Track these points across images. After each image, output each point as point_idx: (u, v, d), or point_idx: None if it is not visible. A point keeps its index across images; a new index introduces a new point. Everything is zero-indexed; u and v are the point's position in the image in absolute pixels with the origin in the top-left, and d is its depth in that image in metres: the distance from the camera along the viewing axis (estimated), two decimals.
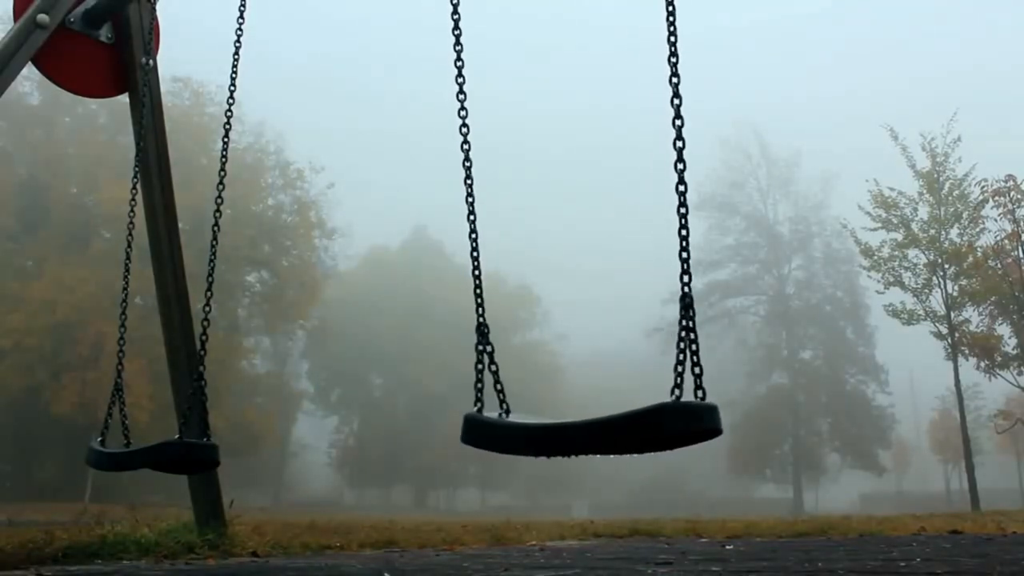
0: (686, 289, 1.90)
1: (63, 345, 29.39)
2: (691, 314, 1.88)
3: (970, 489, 21.15)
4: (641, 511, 25.99)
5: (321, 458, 57.92)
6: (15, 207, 31.03)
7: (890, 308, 22.74)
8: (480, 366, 2.23)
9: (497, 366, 2.25)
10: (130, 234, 4.00)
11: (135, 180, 4.10)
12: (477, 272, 2.42)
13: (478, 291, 2.38)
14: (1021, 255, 21.31)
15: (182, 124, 30.32)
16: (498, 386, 2.22)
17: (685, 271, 1.91)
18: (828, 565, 3.24)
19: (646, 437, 1.83)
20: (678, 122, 1.98)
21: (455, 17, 2.56)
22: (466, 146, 2.48)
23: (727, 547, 4.96)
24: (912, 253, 22.41)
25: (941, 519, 10.10)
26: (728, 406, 47.25)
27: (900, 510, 23.36)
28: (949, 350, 21.69)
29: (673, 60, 2.01)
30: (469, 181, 2.46)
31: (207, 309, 3.45)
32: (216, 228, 3.55)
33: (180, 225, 4.59)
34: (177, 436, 3.51)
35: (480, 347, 2.25)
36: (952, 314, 21.67)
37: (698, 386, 1.86)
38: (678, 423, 1.79)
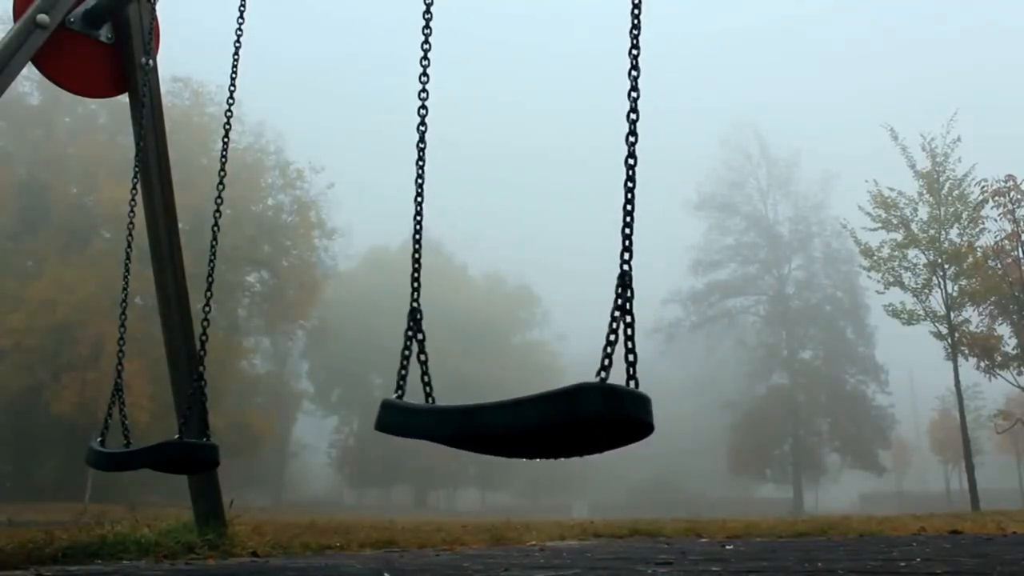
0: (625, 267, 1.79)
1: (63, 345, 29.38)
2: (628, 294, 1.76)
3: (970, 489, 21.14)
4: (641, 511, 25.98)
5: (321, 458, 57.96)
6: (15, 207, 31.02)
7: (890, 308, 22.75)
8: (407, 352, 2.16)
9: (427, 355, 2.19)
10: (130, 234, 4.00)
11: (135, 180, 4.10)
12: (417, 256, 2.35)
13: (416, 275, 2.32)
14: (1021, 255, 21.31)
15: (182, 124, 30.32)
16: (425, 377, 2.16)
17: (626, 247, 1.83)
18: (828, 565, 3.24)
19: (562, 421, 1.64)
20: (633, 94, 1.94)
21: (427, 16, 2.53)
22: (423, 128, 2.46)
23: (727, 547, 4.96)
24: (912, 253, 22.42)
25: (941, 519, 10.09)
26: (728, 406, 47.33)
27: (900, 510, 23.36)
28: (949, 350, 21.69)
29: (634, 53, 1.97)
30: (421, 163, 2.45)
31: (207, 309, 3.45)
32: (216, 228, 3.55)
33: (180, 225, 4.58)
34: (177, 436, 3.52)
35: (410, 333, 2.18)
36: (952, 314, 21.67)
37: (631, 375, 1.71)
38: (598, 407, 1.61)
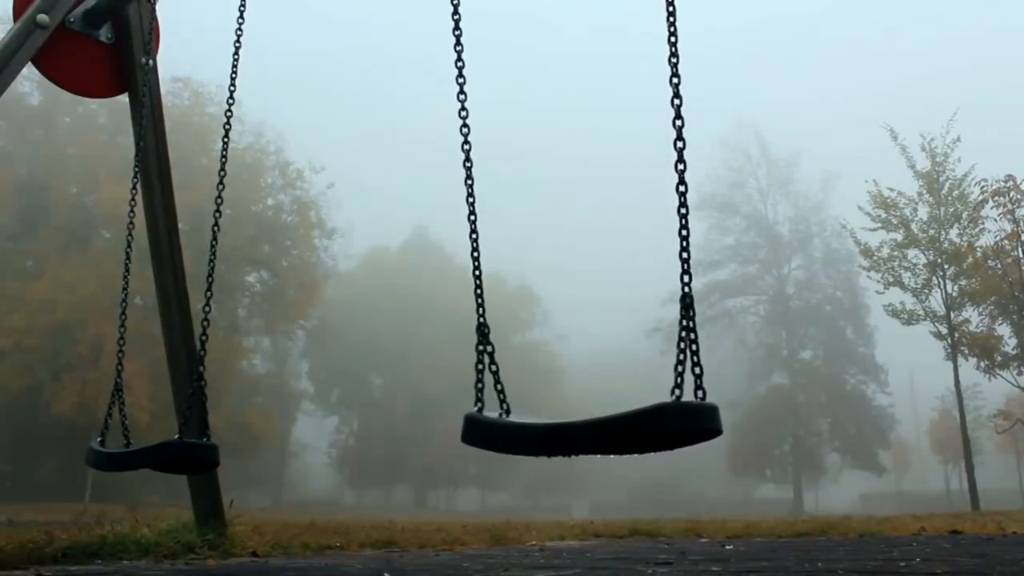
0: (686, 289, 1.90)
1: (63, 345, 29.38)
2: (691, 314, 1.89)
3: (970, 489, 21.14)
4: (641, 511, 25.98)
5: (321, 458, 57.94)
6: (15, 207, 31.02)
7: (890, 308, 22.74)
8: (480, 366, 2.24)
9: (497, 366, 2.26)
10: (130, 234, 3.99)
11: (135, 180, 4.10)
12: (478, 272, 2.42)
13: (479, 291, 2.38)
14: (1021, 255, 21.30)
15: (182, 124, 30.32)
16: (498, 386, 2.22)
17: (685, 271, 1.92)
18: (828, 565, 3.24)
19: (647, 437, 1.82)
20: (678, 122, 1.99)
21: (456, 17, 2.56)
22: (467, 146, 2.48)
23: (727, 547, 4.96)
24: (912, 253, 22.41)
25: (941, 519, 10.09)
26: (728, 406, 47.28)
27: (900, 510, 23.36)
28: (949, 350, 21.69)
29: (674, 60, 2.02)
30: (470, 181, 2.46)
31: (207, 309, 3.45)
32: (216, 228, 3.55)
33: (180, 225, 4.59)
34: (177, 436, 3.52)
35: (480, 347, 2.26)
36: (952, 314, 21.66)
37: (698, 386, 1.86)
38: (679, 423, 1.78)
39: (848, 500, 53.03)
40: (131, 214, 3.97)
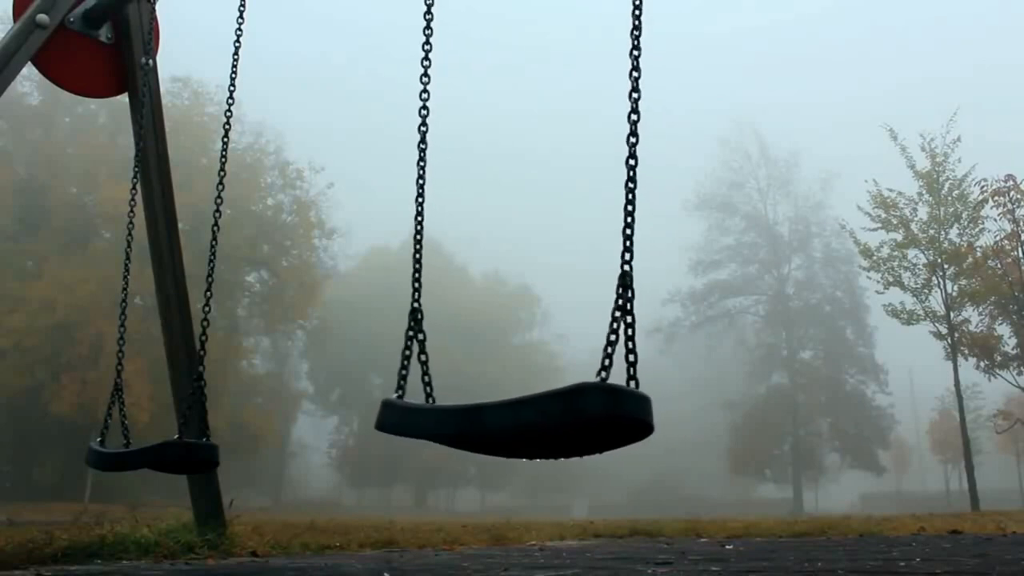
0: (626, 267, 1.80)
1: (63, 345, 29.36)
2: (629, 294, 1.77)
3: (970, 489, 21.13)
4: (641, 511, 25.99)
5: (321, 458, 57.96)
6: (15, 207, 31.01)
7: (890, 308, 22.73)
8: (408, 352, 2.16)
9: (427, 355, 2.19)
10: (130, 234, 4.00)
11: (135, 180, 4.10)
12: (418, 256, 2.35)
13: (417, 275, 2.32)
14: (1021, 255, 21.29)
15: (182, 124, 30.30)
16: (426, 377, 2.17)
17: (627, 248, 1.84)
18: (828, 565, 3.24)
19: (563, 420, 1.64)
20: (635, 95, 1.95)
21: (428, 17, 2.53)
22: (424, 128, 2.46)
23: (727, 547, 4.96)
24: (912, 253, 22.38)
25: (941, 519, 10.10)
26: (728, 406, 47.33)
27: (900, 510, 23.36)
28: (949, 350, 21.68)
29: (635, 54, 1.97)
30: (422, 163, 2.45)
31: (207, 309, 3.45)
32: (216, 228, 3.56)
33: (180, 225, 4.59)
34: (177, 436, 3.52)
35: (411, 333, 2.19)
36: (952, 314, 21.65)
37: (631, 375, 1.72)
38: (600, 406, 1.61)
39: (848, 500, 53.03)
40: (131, 214, 3.97)
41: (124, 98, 4.62)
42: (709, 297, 49.32)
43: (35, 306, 28.81)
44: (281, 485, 49.61)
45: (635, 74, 1.95)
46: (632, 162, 1.91)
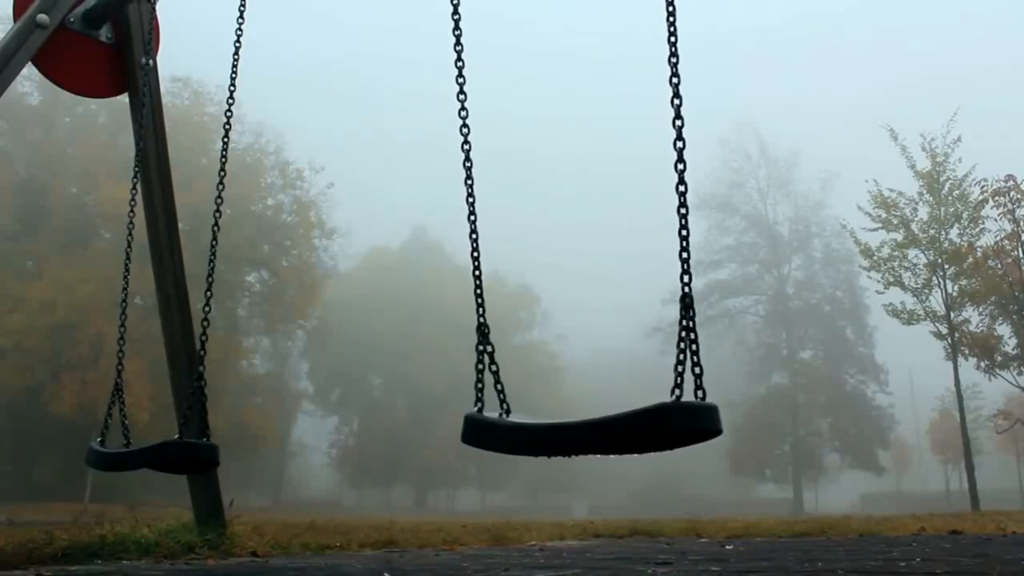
0: (686, 289, 1.91)
1: (63, 345, 29.37)
2: (691, 314, 1.89)
3: (970, 489, 21.13)
4: (641, 511, 26.00)
5: (321, 458, 57.94)
6: (15, 207, 31.02)
7: (890, 308, 22.72)
8: (480, 366, 2.24)
9: (497, 366, 2.25)
10: (130, 234, 3.99)
11: (135, 180, 4.10)
12: (478, 272, 2.42)
13: (478, 291, 2.37)
14: (1021, 255, 21.29)
15: (182, 124, 30.30)
16: (498, 386, 2.22)
17: (685, 271, 1.92)
18: (828, 565, 3.24)
19: (646, 437, 1.82)
20: (678, 122, 1.99)
21: (455, 17, 2.56)
22: (467, 146, 2.48)
23: (727, 547, 4.96)
24: (912, 253, 22.38)
25: (941, 519, 10.10)
26: (728, 406, 47.30)
27: (900, 510, 23.35)
28: (949, 350, 21.68)
29: (673, 60, 2.02)
30: (470, 181, 2.46)
31: (207, 309, 3.45)
32: (216, 228, 3.55)
33: (180, 225, 4.59)
34: (177, 436, 3.52)
35: (480, 347, 2.25)
36: (952, 314, 21.65)
37: (698, 386, 1.86)
38: (679, 423, 1.78)
39: (848, 500, 53.01)
40: (131, 214, 3.97)
41: (124, 98, 4.62)
42: (709, 297, 49.31)
43: (35, 306, 28.81)
44: (281, 485, 49.61)
45: (676, 101, 2.00)
46: (682, 188, 1.97)
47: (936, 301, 21.97)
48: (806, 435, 47.05)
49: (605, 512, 30.61)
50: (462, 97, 2.52)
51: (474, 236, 2.44)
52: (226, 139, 3.76)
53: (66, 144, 33.26)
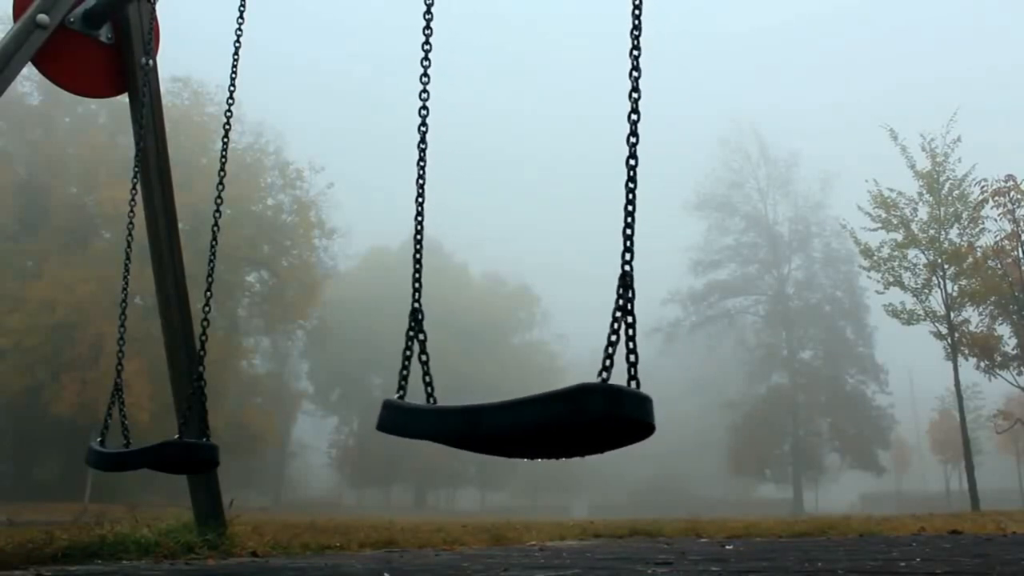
0: (626, 267, 1.79)
1: (63, 345, 29.36)
2: (630, 294, 1.76)
3: (970, 489, 21.13)
4: (641, 511, 25.99)
5: (321, 458, 57.94)
6: (15, 207, 31.01)
7: (890, 308, 22.73)
8: (408, 353, 2.16)
9: (428, 356, 2.19)
10: (130, 234, 3.99)
11: (135, 180, 4.10)
12: (418, 256, 2.35)
13: (417, 276, 2.31)
14: (1021, 255, 21.29)
15: (182, 124, 30.29)
16: (427, 377, 2.16)
17: (627, 248, 1.83)
18: (828, 565, 3.24)
19: (565, 420, 1.64)
20: (635, 95, 1.93)
21: (428, 17, 2.53)
22: (423, 128, 2.46)
23: (727, 547, 4.96)
24: (912, 253, 22.39)
25: (941, 519, 10.09)
26: (728, 406, 47.32)
27: (900, 510, 23.36)
28: (949, 350, 21.68)
29: (635, 54, 1.96)
30: (422, 163, 2.45)
31: (207, 309, 3.45)
32: (216, 228, 3.55)
33: (180, 225, 4.59)
34: (177, 436, 3.52)
35: (411, 333, 2.18)
36: (952, 314, 21.65)
37: (632, 375, 1.72)
38: (601, 406, 1.60)
39: (848, 500, 52.99)
40: (131, 214, 3.97)
41: (124, 98, 4.61)
42: (709, 297, 49.35)
43: (35, 306, 28.81)
44: (281, 485, 49.59)
45: (635, 74, 1.94)
46: (632, 162, 1.90)
47: (936, 301, 21.99)
48: (806, 435, 47.06)
49: (605, 512, 30.62)
50: (425, 80, 2.49)
51: (419, 219, 2.39)
52: (226, 139, 3.76)
53: (66, 144, 33.25)
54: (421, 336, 2.18)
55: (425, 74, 2.49)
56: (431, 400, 2.08)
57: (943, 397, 47.50)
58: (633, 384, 1.70)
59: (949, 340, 21.52)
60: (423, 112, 2.47)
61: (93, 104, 30.84)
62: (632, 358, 1.73)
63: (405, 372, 2.15)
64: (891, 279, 22.39)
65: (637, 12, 2.00)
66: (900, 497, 51.69)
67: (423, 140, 2.46)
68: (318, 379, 55.00)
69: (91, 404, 26.51)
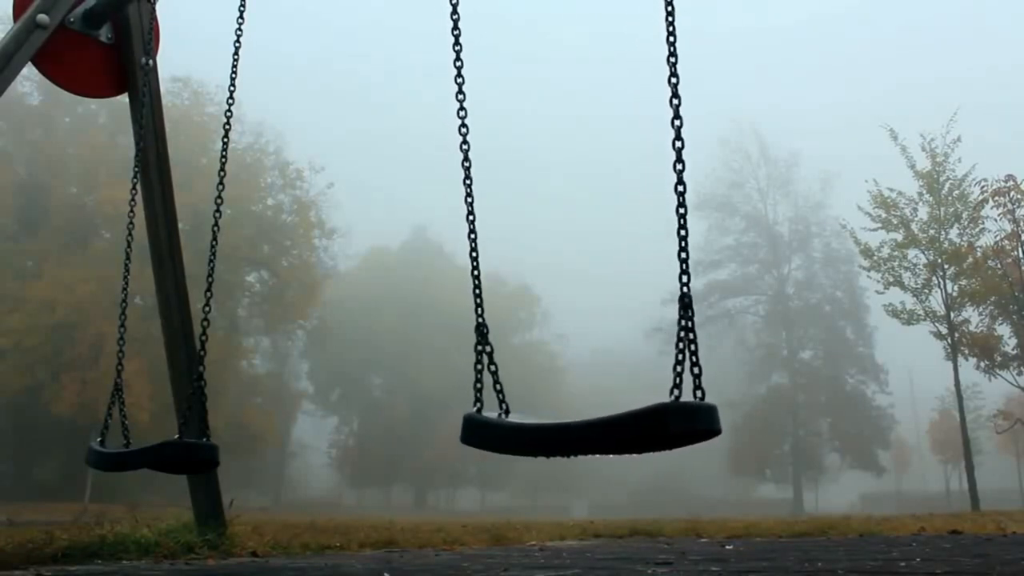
0: (685, 289, 1.90)
1: (63, 345, 29.36)
2: (690, 314, 1.89)
3: (970, 489, 21.13)
4: (641, 511, 25.99)
5: (321, 458, 57.93)
6: (15, 207, 31.01)
7: (890, 308, 22.73)
8: (479, 366, 2.23)
9: (496, 366, 2.25)
10: (130, 234, 3.99)
11: (135, 180, 4.10)
12: (476, 272, 2.42)
13: (477, 291, 2.38)
14: (1021, 255, 21.29)
15: (182, 124, 30.29)
16: (497, 386, 2.22)
17: (684, 271, 1.92)
18: (828, 565, 3.24)
19: (647, 437, 1.82)
20: (677, 122, 1.99)
21: (454, 17, 2.56)
22: (465, 146, 2.48)
23: (727, 547, 4.96)
24: (912, 253, 22.39)
25: (941, 519, 10.09)
26: (728, 406, 47.29)
27: (900, 510, 23.36)
28: (949, 350, 21.68)
29: (672, 60, 2.02)
30: (468, 181, 2.46)
31: (207, 309, 3.45)
32: (216, 228, 3.55)
33: (180, 225, 4.59)
34: (177, 436, 3.52)
35: (479, 347, 2.25)
36: (952, 314, 21.65)
37: (697, 386, 1.86)
38: (678, 423, 1.78)
39: (848, 500, 53.01)
40: (131, 214, 3.97)
41: (124, 98, 4.61)
42: (709, 297, 49.31)
43: (35, 306, 28.81)
44: (281, 485, 49.59)
45: (675, 101, 2.01)
46: (680, 188, 1.97)
47: (936, 301, 21.99)
48: (806, 435, 47.06)
49: (605, 512, 30.61)
50: (461, 97, 2.52)
51: (473, 236, 2.44)
52: (226, 139, 3.76)
53: (66, 144, 33.25)
54: (488, 348, 2.25)
55: (460, 91, 2.52)
56: (503, 407, 2.16)
57: (943, 397, 47.52)
58: (699, 394, 1.85)
59: (949, 340, 21.52)
60: (463, 130, 2.49)
61: (93, 104, 30.84)
62: (696, 370, 1.87)
63: (479, 385, 2.23)
64: (891, 279, 22.39)
65: (671, 19, 2.05)
66: (900, 497, 51.69)
67: (466, 158, 2.48)
68: (318, 379, 55.00)
69: (91, 404, 26.52)
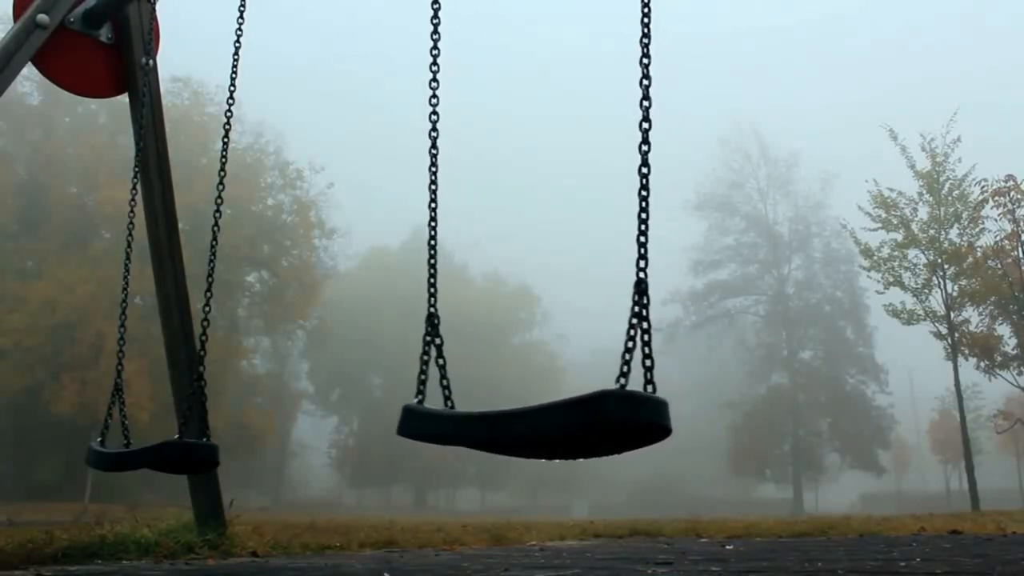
0: (642, 275, 1.81)
1: (63, 345, 29.36)
2: (645, 301, 1.78)
3: (970, 489, 21.13)
4: (641, 511, 26.00)
5: (321, 458, 57.93)
6: (15, 207, 31.01)
7: (890, 308, 22.73)
8: (426, 357, 2.17)
9: (445, 360, 2.19)
10: (130, 234, 3.99)
11: (135, 180, 4.10)
12: (433, 261, 2.35)
13: (432, 280, 2.31)
14: (1021, 255, 21.30)
15: (182, 124, 30.30)
16: (444, 381, 2.16)
17: (643, 256, 1.84)
18: (828, 565, 3.24)
19: (586, 425, 1.68)
20: (646, 103, 1.95)
21: (435, 21, 2.51)
22: (434, 133, 2.44)
23: (727, 547, 4.96)
24: (912, 253, 22.40)
25: (941, 519, 10.09)
26: (728, 406, 47.32)
27: (900, 510, 23.35)
28: (949, 350, 21.68)
29: (645, 62, 1.98)
30: (434, 168, 2.43)
31: (207, 309, 3.45)
32: (216, 228, 3.55)
33: (180, 225, 4.58)
34: (177, 436, 3.52)
35: (428, 338, 2.19)
36: (952, 314, 21.66)
37: (648, 380, 1.74)
38: (621, 412, 1.64)
39: (848, 500, 53.02)
40: (131, 214, 3.97)
41: (124, 98, 4.61)
42: (709, 297, 49.35)
43: (35, 306, 28.81)
44: (281, 485, 49.60)
45: (645, 82, 1.96)
46: (644, 170, 1.92)
47: (936, 301, 21.99)
48: (806, 435, 47.05)
49: (605, 512, 30.60)
50: (434, 84, 2.47)
51: (433, 224, 2.39)
52: (226, 139, 3.76)
53: (66, 144, 33.25)
54: (438, 340, 2.19)
55: (434, 79, 2.48)
56: (448, 403, 2.10)
57: (943, 397, 47.51)
58: (650, 388, 1.72)
59: (949, 340, 21.52)
60: (433, 117, 2.45)
61: (93, 104, 30.85)
62: (648, 363, 1.76)
63: (423, 376, 2.16)
64: (891, 279, 22.39)
65: (647, 20, 2.00)
66: (900, 497, 51.69)
67: (434, 145, 2.44)
68: (318, 379, 55.00)
69: (91, 404, 26.52)
